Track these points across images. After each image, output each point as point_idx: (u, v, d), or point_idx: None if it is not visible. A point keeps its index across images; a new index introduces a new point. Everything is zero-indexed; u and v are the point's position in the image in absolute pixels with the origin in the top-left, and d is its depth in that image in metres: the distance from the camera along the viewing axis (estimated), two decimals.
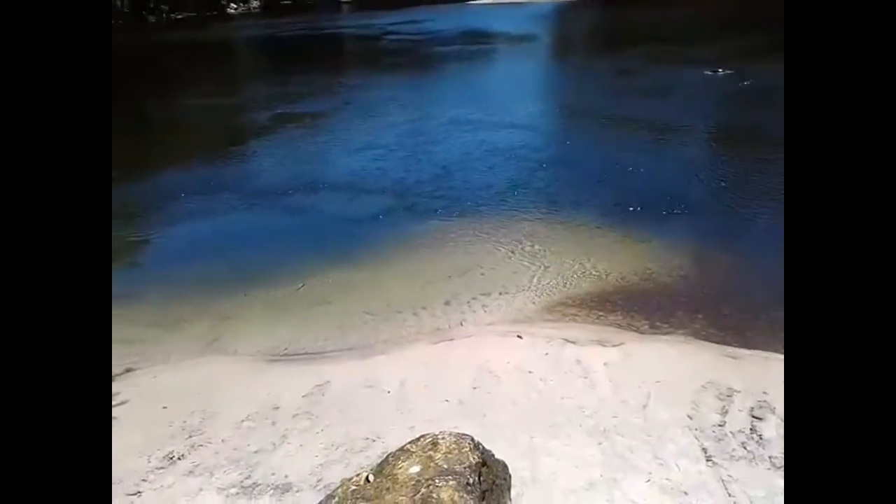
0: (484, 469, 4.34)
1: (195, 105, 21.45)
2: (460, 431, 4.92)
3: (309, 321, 7.37)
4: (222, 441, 5.31)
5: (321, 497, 4.23)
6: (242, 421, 5.58)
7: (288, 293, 8.06)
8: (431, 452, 4.40)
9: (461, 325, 7.04)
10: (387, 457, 4.42)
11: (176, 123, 19.61)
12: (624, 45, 27.93)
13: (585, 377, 5.67)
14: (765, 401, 5.20)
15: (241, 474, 4.88)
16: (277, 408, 5.73)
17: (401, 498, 4.07)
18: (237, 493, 4.69)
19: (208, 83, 25.65)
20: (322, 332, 7.13)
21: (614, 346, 6.27)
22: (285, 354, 6.84)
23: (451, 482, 4.10)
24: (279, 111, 19.24)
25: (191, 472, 4.92)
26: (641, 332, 6.70)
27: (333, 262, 8.76)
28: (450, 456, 4.34)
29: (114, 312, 6.06)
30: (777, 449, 4.64)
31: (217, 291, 8.12)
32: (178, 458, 5.10)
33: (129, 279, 8.50)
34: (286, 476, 4.83)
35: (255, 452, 5.14)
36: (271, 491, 4.70)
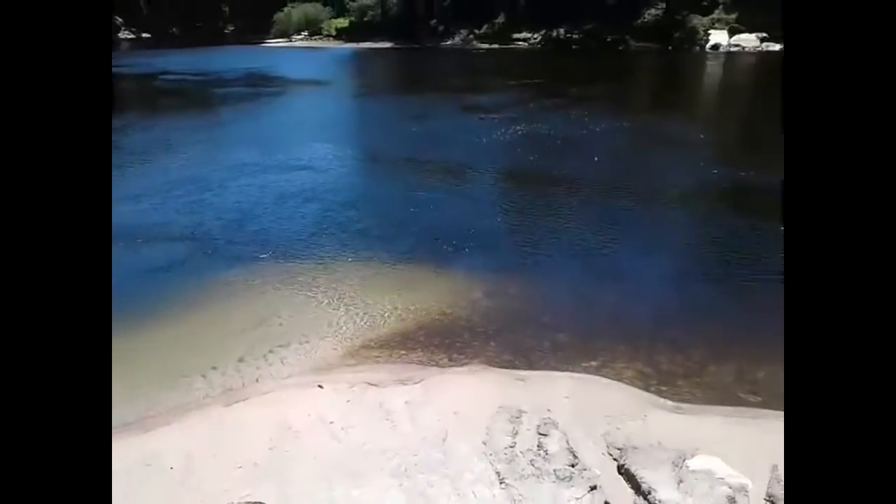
0: None
1: None
2: (253, 500, 4.69)
3: None
4: None
5: None
6: None
7: None
8: None
9: (256, 381, 6.74)
10: None
11: None
12: (413, 91, 29.61)
13: (388, 419, 5.75)
14: (548, 417, 5.72)
15: None
16: None
17: None
18: None
19: None
20: None
21: (415, 383, 6.46)
22: None
23: None
24: None
25: None
26: (441, 366, 6.99)
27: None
28: None
29: None
30: (560, 462, 5.11)
31: None
32: None
33: None
34: None
35: None
36: None
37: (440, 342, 7.45)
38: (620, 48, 47.72)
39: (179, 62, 44.48)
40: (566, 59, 42.49)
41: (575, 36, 51.67)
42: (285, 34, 71.99)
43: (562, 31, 52.55)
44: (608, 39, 49.23)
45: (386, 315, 8.14)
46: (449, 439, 5.46)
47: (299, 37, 70.70)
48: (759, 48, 42.52)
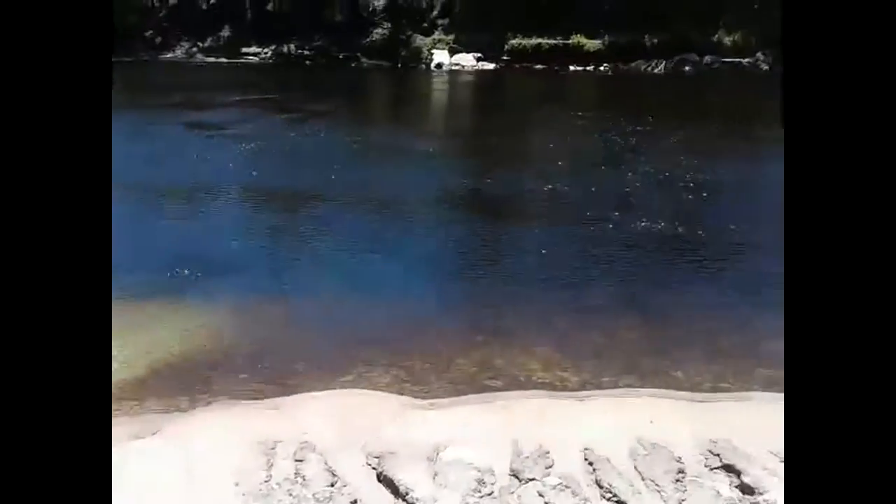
0: None
1: None
2: None
3: None
4: None
5: None
6: None
7: None
8: None
9: None
10: None
11: None
12: (130, 107, 26.87)
13: (120, 479, 4.99)
14: (306, 442, 5.53)
15: None
16: None
17: None
18: None
19: None
20: None
21: (152, 434, 5.77)
22: None
23: None
24: None
25: None
26: (183, 410, 6.37)
27: None
28: None
29: None
30: (319, 484, 4.97)
31: None
32: None
33: None
34: None
35: None
36: None
37: (179, 384, 6.79)
38: (353, 65, 49.10)
39: None
40: (298, 75, 42.39)
41: (306, 52, 51.78)
42: None
43: (292, 46, 52.23)
44: (340, 56, 50.31)
45: (124, 363, 7.12)
46: (195, 488, 4.96)
47: None
48: (476, 67, 47.10)
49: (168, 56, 54.10)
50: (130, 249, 10.45)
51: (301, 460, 5.26)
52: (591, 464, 5.39)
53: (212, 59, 52.66)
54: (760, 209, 12.42)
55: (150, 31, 55.98)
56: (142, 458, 5.32)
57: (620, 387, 6.76)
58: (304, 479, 5.03)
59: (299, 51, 51.74)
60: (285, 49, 52.49)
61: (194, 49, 55.25)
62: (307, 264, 10.43)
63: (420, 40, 50.37)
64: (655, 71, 41.30)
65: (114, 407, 6.34)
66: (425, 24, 51.17)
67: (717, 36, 42.26)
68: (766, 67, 40.72)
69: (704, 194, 13.76)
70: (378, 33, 50.93)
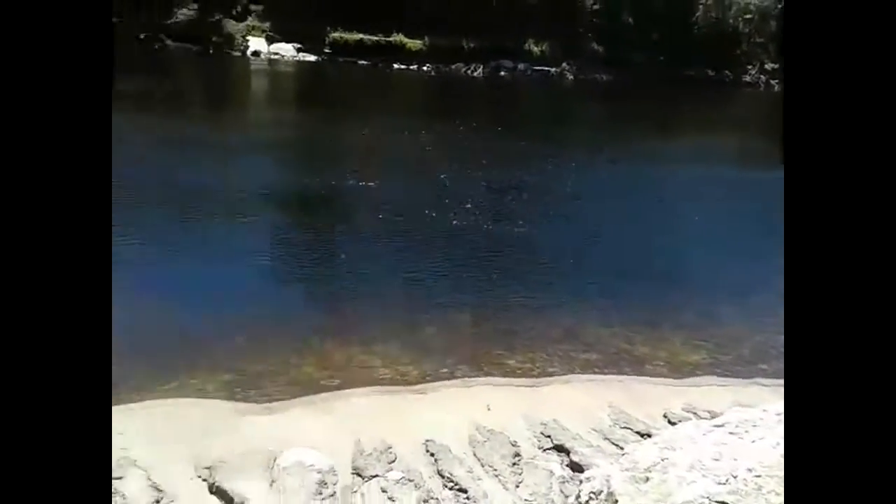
0: None
1: None
2: None
3: None
4: None
5: None
6: None
7: None
8: None
9: None
10: None
11: None
12: None
13: None
14: (125, 457, 5.05)
15: None
16: None
17: None
18: None
19: None
20: None
21: None
22: None
23: None
24: None
25: None
26: None
27: None
28: None
29: None
30: (143, 501, 4.58)
31: None
32: None
33: None
34: None
35: None
36: None
37: None
38: (157, 46, 45.20)
39: None
40: None
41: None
42: None
43: None
44: (141, 37, 46.05)
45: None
46: None
47: None
48: (297, 57, 45.96)
49: None
50: None
51: (120, 477, 4.79)
52: (432, 455, 5.57)
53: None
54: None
55: None
56: None
57: (458, 377, 7.06)
58: (123, 498, 4.59)
59: None
60: None
61: None
62: (141, 268, 9.34)
63: (232, 25, 47.93)
64: (474, 74, 43.43)
65: None
66: (237, 10, 48.79)
67: (527, 45, 45.57)
68: (571, 77, 44.78)
69: (510, 196, 14.72)
70: (183, 14, 47.53)
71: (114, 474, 4.78)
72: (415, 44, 44.49)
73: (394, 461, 5.43)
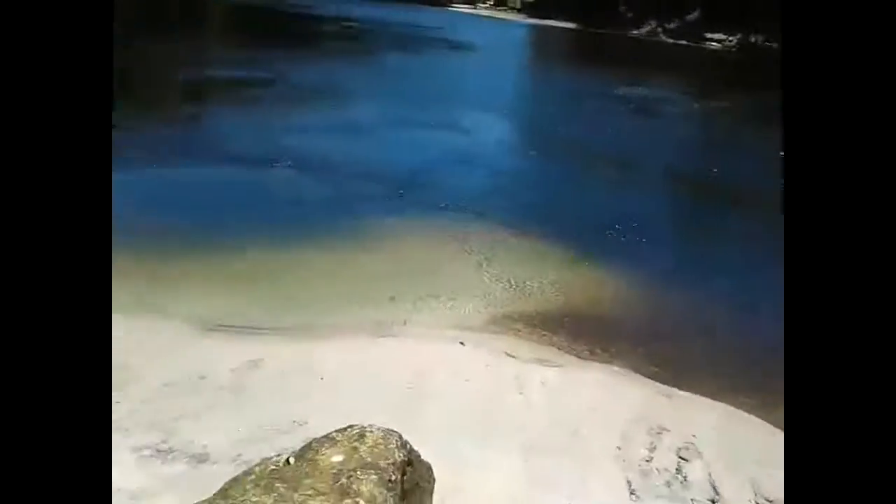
0: (408, 468, 4.44)
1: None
2: (388, 427, 5.05)
3: (250, 296, 7.42)
4: (141, 402, 5.24)
5: (238, 471, 4.25)
6: (165, 385, 5.53)
7: (234, 265, 8.12)
8: (357, 444, 4.48)
9: (404, 323, 7.21)
10: (310, 442, 4.47)
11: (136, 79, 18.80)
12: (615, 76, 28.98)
13: (521, 393, 5.93)
14: (692, 443, 5.59)
15: (157, 438, 4.84)
16: (203, 377, 5.70)
17: (319, 484, 4.12)
18: (151, 456, 4.65)
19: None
20: (261, 310, 7.18)
21: (554, 367, 6.57)
22: (220, 326, 6.83)
23: (372, 476, 4.19)
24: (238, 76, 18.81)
25: None
26: (581, 357, 7.04)
27: (287, 241, 8.88)
28: (375, 450, 4.43)
29: None
30: (699, 493, 5.02)
31: (162, 252, 8.05)
32: None
33: None
34: (204, 446, 4.83)
35: (175, 419, 5.10)
36: (187, 459, 4.68)
37: (585, 333, 7.49)
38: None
39: (371, 12, 46.36)
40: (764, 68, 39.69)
41: (773, 45, 48.05)
42: (471, 0, 73.36)
43: (760, 37, 48.94)
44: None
45: (536, 291, 8.32)
46: (581, 432, 5.54)
47: (484, 5, 71.85)
48: None
49: (634, 32, 56.50)
50: (570, 202, 11.56)
51: (685, 459, 5.25)
52: None
53: (671, 41, 53.07)
54: None
55: (624, 7, 59.03)
56: (541, 383, 6.09)
57: None
58: (684, 479, 5.01)
59: (766, 43, 48.25)
60: (752, 39, 49.64)
61: (658, 28, 56.49)
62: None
63: None
64: None
65: (525, 328, 7.35)
66: None
67: None
68: None
69: None
70: None
71: (679, 454, 5.37)
72: None
73: None
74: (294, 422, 5.27)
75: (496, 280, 8.49)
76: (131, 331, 6.27)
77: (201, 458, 4.76)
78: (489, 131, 16.87)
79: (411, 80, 23.91)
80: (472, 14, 65.56)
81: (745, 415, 6.41)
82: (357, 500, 3.89)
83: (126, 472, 4.47)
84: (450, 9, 68.37)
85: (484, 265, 8.87)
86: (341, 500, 3.85)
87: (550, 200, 11.98)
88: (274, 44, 28.70)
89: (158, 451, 4.78)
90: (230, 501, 3.97)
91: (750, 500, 5.14)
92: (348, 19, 41.62)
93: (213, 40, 30.47)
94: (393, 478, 4.25)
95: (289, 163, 12.59)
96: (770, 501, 5.09)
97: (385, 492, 4.10)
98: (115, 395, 5.24)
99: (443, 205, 11.01)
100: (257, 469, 4.25)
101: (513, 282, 8.47)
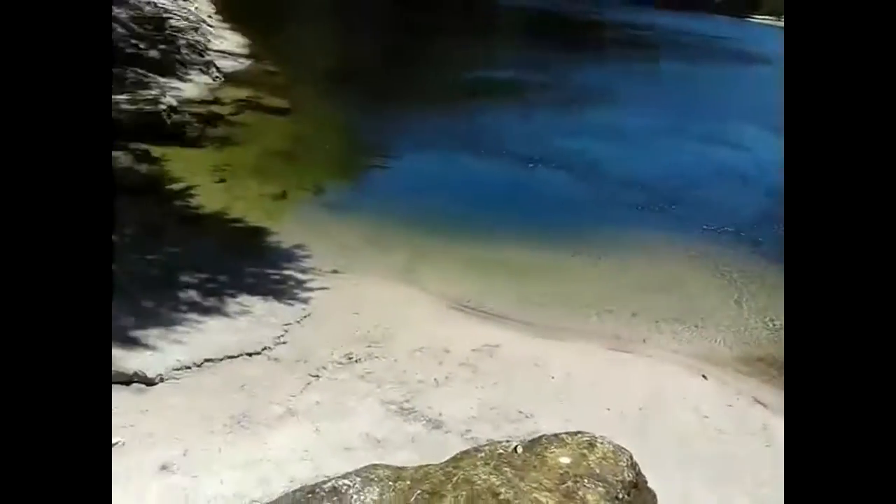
0: (634, 490, 4.32)
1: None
2: (617, 444, 4.95)
3: (499, 285, 7.85)
4: (394, 360, 5.85)
5: (467, 446, 4.51)
6: (415, 350, 6.09)
7: (491, 253, 8.63)
8: (586, 451, 4.46)
9: (643, 341, 7.01)
10: (540, 437, 4.56)
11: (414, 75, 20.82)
12: None
13: (768, 445, 5.40)
14: None
15: (403, 396, 5.37)
16: (448, 351, 6.17)
17: (545, 480, 4.18)
18: (396, 412, 5.18)
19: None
20: (507, 299, 7.53)
21: None
22: (467, 306, 7.32)
23: (599, 488, 4.14)
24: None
25: (362, 377, 5.50)
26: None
27: (545, 239, 9.20)
28: (604, 463, 4.37)
29: (336, 220, 6.80)
30: None
31: (430, 231, 8.90)
32: (356, 361, 5.74)
33: (355, 196, 9.67)
34: (440, 414, 5.23)
35: (420, 382, 5.60)
36: (424, 421, 5.13)
37: None
38: None
39: (662, 21, 45.42)
40: None
41: None
42: (775, 12, 67.42)
43: None
44: None
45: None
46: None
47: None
48: None
49: None
50: None
51: None
52: None
53: None
54: None
55: None
56: None
57: None
58: None
59: None
60: None
61: None
62: None
63: None
64: None
65: (774, 373, 6.65)
66: None
67: None
68: None
69: None
70: None
71: None
72: None
73: None
74: (521, 412, 5.43)
75: (754, 316, 7.75)
76: (393, 297, 7.00)
77: (436, 424, 5.15)
78: (768, 151, 15.35)
79: (695, 91, 22.72)
80: (775, 26, 60.37)
81: None
82: None
83: (375, 422, 5.02)
84: (749, 20, 63.90)
85: (743, 297, 8.15)
86: (566, 501, 3.88)
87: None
88: (556, 47, 29.37)
89: (402, 408, 5.27)
90: (461, 472, 4.23)
91: None
92: (635, 26, 40.89)
93: (500, 42, 32.10)
94: (620, 496, 4.17)
95: (556, 164, 12.85)
96: None
97: None
98: (376, 351, 5.92)
99: (709, 226, 10.34)
100: (486, 448, 4.47)
101: (774, 321, 7.65)
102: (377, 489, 4.04)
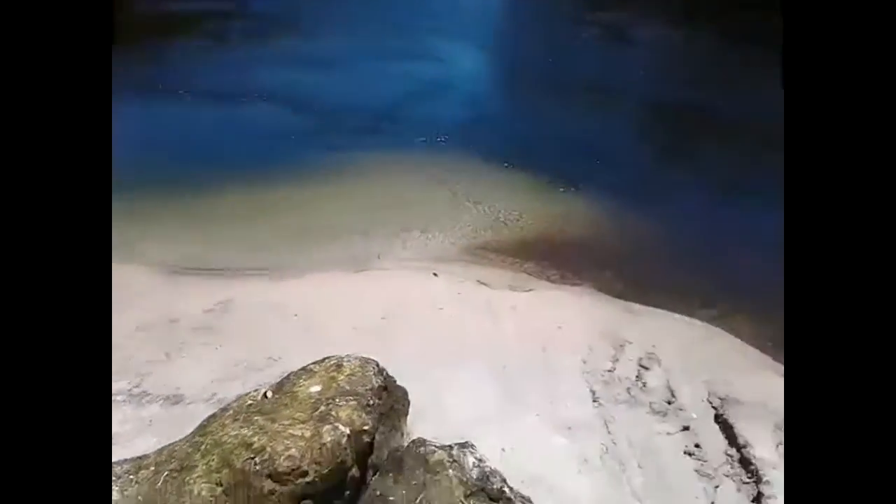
0: (384, 393, 4.55)
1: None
2: (364, 356, 5.12)
3: (220, 237, 7.37)
4: (113, 347, 5.20)
5: (214, 410, 4.30)
6: (136, 329, 5.51)
7: (207, 204, 8.01)
8: (335, 374, 4.55)
9: (378, 257, 7.23)
10: (288, 375, 4.53)
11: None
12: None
13: (493, 318, 6.05)
14: (653, 353, 5.82)
15: (129, 382, 4.86)
16: (175, 320, 5.68)
17: (298, 414, 4.19)
18: (124, 401, 4.67)
19: None
20: (232, 250, 7.14)
21: (524, 291, 6.72)
22: (191, 268, 6.80)
23: (351, 402, 4.27)
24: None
25: None
26: (551, 281, 7.20)
27: (256, 178, 8.78)
28: (353, 378, 4.51)
29: None
30: (657, 396, 5.26)
31: (134, 191, 7.88)
32: None
33: None
34: (178, 388, 4.86)
35: (147, 362, 5.10)
36: (161, 401, 4.72)
37: (555, 259, 7.60)
38: None
39: None
40: None
41: None
42: None
43: None
44: None
45: (509, 221, 8.36)
46: (549, 350, 5.70)
47: None
48: None
49: None
50: (545, 133, 11.59)
51: (645, 367, 5.53)
52: None
53: None
54: None
55: None
56: (512, 308, 6.24)
57: None
58: (643, 386, 5.33)
59: None
60: None
61: None
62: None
63: None
64: None
65: (497, 257, 7.44)
66: None
67: None
68: None
69: None
70: None
71: (640, 363, 5.64)
72: None
73: None
74: (269, 358, 5.31)
75: (470, 211, 8.50)
76: None
77: (175, 400, 4.80)
78: (463, 61, 16.41)
79: (382, 9, 22.98)
80: None
81: (704, 325, 6.59)
82: (336, 424, 3.98)
83: None
84: None
85: (458, 197, 8.84)
86: (321, 426, 3.94)
87: (525, 131, 11.84)
88: None
89: (131, 395, 4.80)
90: (209, 437, 4.02)
91: (702, 399, 5.35)
92: None
93: None
94: (371, 402, 4.35)
95: (259, 97, 12.24)
96: (721, 399, 5.32)
97: (363, 415, 4.21)
98: None
99: (423, 138, 10.86)
100: (234, 405, 4.30)
101: (486, 212, 8.48)
102: (116, 489, 3.68)
